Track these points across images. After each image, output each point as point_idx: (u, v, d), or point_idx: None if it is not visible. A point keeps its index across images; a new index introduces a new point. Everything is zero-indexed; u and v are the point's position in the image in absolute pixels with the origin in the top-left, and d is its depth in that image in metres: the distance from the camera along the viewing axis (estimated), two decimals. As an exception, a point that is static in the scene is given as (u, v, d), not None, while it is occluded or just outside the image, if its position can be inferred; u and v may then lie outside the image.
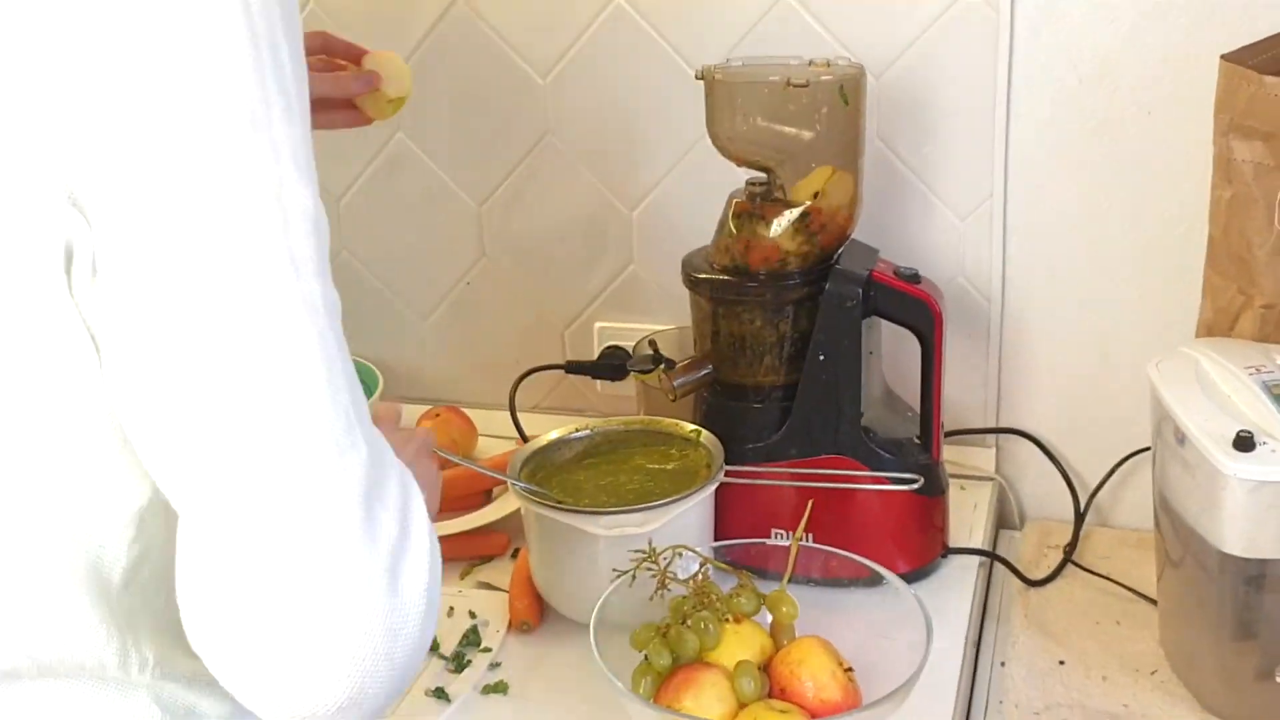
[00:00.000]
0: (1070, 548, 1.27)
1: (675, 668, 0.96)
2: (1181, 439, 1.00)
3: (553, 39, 1.38)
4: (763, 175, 1.17)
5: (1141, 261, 1.28)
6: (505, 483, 1.27)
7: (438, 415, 1.44)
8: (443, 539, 1.27)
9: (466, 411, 1.46)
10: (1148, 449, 1.20)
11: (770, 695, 0.95)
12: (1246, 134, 1.06)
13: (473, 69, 1.43)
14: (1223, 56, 1.08)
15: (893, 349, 1.25)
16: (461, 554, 1.27)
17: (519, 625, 1.15)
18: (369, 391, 1.50)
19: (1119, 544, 1.30)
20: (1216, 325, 1.13)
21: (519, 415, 1.41)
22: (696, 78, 1.16)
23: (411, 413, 1.48)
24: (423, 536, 0.63)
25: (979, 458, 1.38)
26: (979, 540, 1.27)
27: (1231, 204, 1.08)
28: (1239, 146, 1.07)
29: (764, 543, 1.12)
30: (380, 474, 0.62)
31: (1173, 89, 1.21)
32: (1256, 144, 1.05)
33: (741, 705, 0.94)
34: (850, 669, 0.96)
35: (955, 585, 1.19)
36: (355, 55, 1.18)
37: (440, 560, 0.65)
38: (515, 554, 1.27)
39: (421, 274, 1.54)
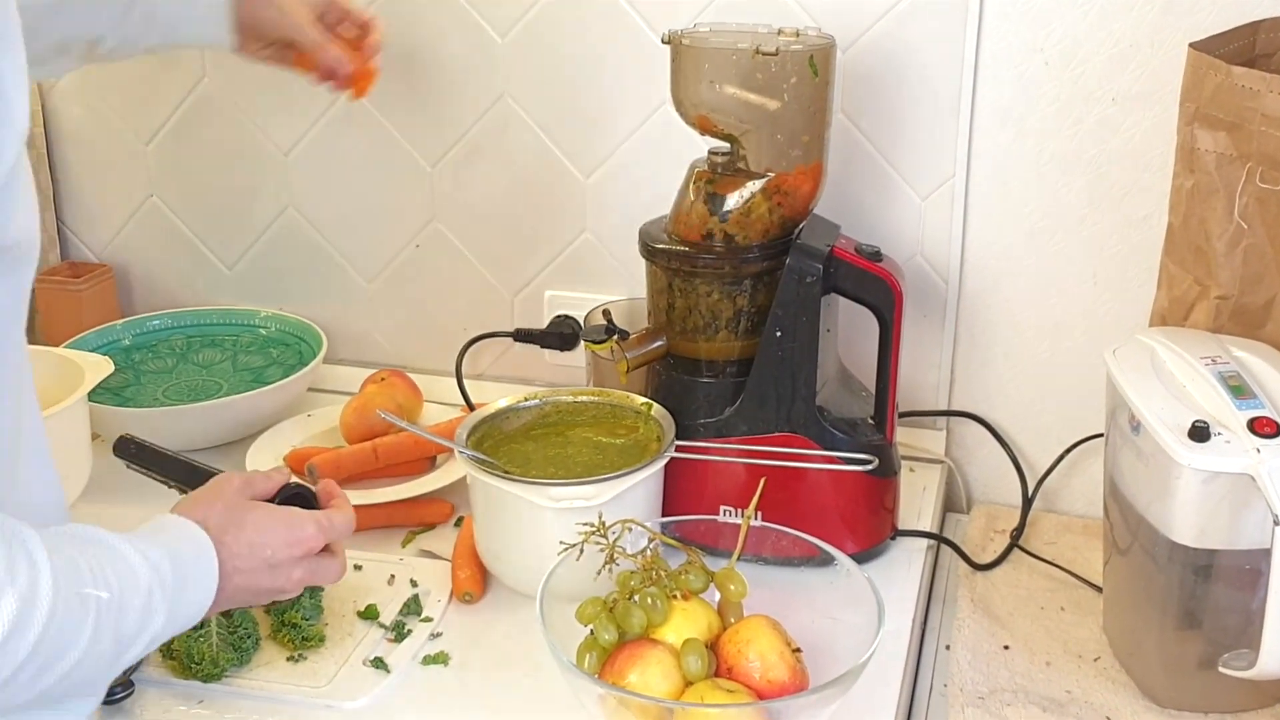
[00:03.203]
0: (1017, 533, 1.27)
1: (621, 643, 0.95)
2: (1136, 427, 0.99)
3: (513, -4, 1.35)
4: (725, 145, 1.15)
5: (1099, 249, 1.27)
6: (449, 450, 1.25)
7: (383, 379, 1.41)
8: (386, 505, 1.27)
9: (412, 376, 1.43)
10: (1098, 436, 1.21)
11: (717, 674, 0.94)
12: (1211, 124, 1.05)
13: (429, 24, 1.39)
14: (1191, 45, 1.07)
15: (848, 327, 1.24)
16: (404, 521, 1.25)
17: (462, 596, 1.13)
18: (312, 354, 1.46)
19: (1065, 530, 1.30)
20: (1171, 315, 1.13)
21: (465, 382, 1.39)
22: (662, 42, 1.14)
23: (356, 375, 1.45)
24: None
25: (929, 440, 1.37)
26: (927, 523, 1.26)
27: (1192, 194, 1.08)
28: (1203, 136, 1.06)
29: (714, 520, 1.11)
30: None
31: (1138, 76, 1.21)
32: (1220, 134, 1.05)
33: (688, 683, 0.93)
34: (799, 649, 0.95)
35: (903, 568, 1.19)
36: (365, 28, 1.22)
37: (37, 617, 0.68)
38: (459, 523, 1.24)
39: (370, 234, 1.51)
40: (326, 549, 0.93)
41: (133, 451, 1.01)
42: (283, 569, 0.89)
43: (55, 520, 0.80)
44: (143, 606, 0.77)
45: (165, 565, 0.79)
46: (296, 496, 0.95)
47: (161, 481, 1.03)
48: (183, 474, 1.01)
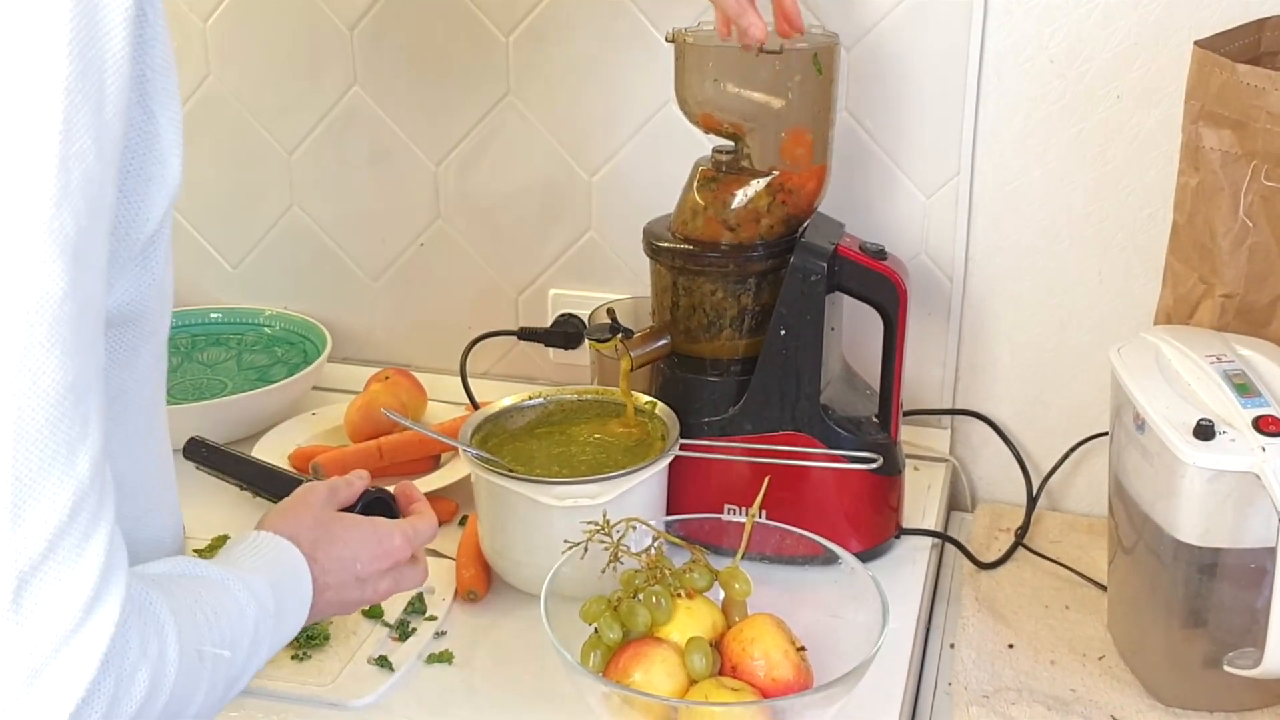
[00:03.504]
0: (1021, 531, 1.27)
1: (625, 642, 0.95)
2: (1141, 425, 0.99)
3: (517, -4, 1.35)
4: (730, 143, 1.15)
5: (1103, 247, 1.27)
6: (454, 448, 1.25)
7: (387, 378, 1.41)
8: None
9: (416, 375, 1.43)
10: (1102, 434, 1.20)
11: (721, 672, 0.94)
12: (1216, 122, 1.05)
13: (434, 23, 1.39)
14: (1196, 43, 1.07)
15: (852, 325, 1.24)
16: (408, 520, 1.25)
17: (466, 594, 1.13)
18: (316, 352, 1.47)
19: (1070, 529, 1.30)
20: (1176, 313, 1.13)
21: (469, 381, 1.39)
22: (666, 40, 1.13)
23: (360, 374, 1.46)
24: (88, 561, 0.59)
25: (933, 438, 1.37)
26: (931, 521, 1.26)
27: (1197, 192, 1.08)
28: (1208, 134, 1.06)
29: (719, 518, 1.11)
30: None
31: (1143, 73, 1.20)
32: (1225, 132, 1.05)
33: (692, 682, 0.93)
34: (803, 648, 0.95)
35: (907, 566, 1.19)
36: None
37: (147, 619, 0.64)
38: (463, 521, 1.24)
39: (374, 233, 1.51)
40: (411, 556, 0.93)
41: (204, 454, 1.00)
42: (370, 582, 0.89)
43: (174, 544, 0.79)
44: (250, 645, 0.75)
45: (269, 598, 0.78)
46: (378, 502, 0.95)
47: (235, 485, 1.02)
48: (256, 476, 1.00)
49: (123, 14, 0.59)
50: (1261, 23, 1.12)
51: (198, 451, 1.00)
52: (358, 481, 0.95)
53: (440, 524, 1.23)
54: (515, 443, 1.16)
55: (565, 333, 1.35)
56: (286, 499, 0.91)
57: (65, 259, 0.57)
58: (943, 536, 1.25)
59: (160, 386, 0.77)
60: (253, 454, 1.31)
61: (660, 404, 1.17)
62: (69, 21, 0.57)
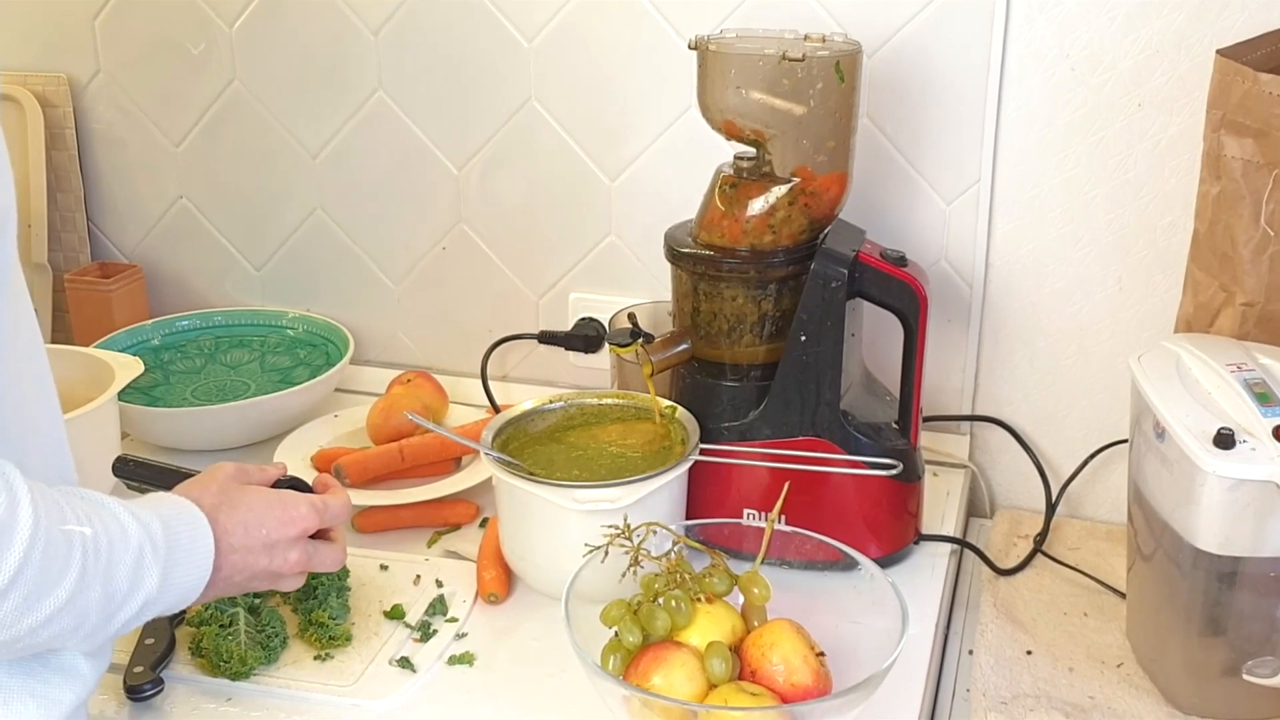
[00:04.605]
0: (1040, 538, 1.27)
1: (645, 646, 0.95)
2: (1161, 433, 0.99)
3: (541, 1, 1.36)
4: (751, 150, 1.16)
5: (1124, 254, 1.27)
6: (475, 451, 1.26)
7: (409, 381, 1.42)
8: (412, 506, 1.27)
9: (438, 377, 1.44)
10: (1122, 442, 1.20)
11: (740, 677, 0.95)
12: (1238, 130, 1.05)
13: (457, 28, 1.40)
14: (1218, 51, 1.07)
15: (872, 331, 1.25)
16: (429, 521, 1.26)
17: (487, 596, 1.14)
18: (339, 355, 1.48)
19: (1088, 536, 1.30)
20: (1196, 321, 1.13)
21: (490, 384, 1.39)
22: (689, 47, 1.14)
23: (383, 377, 1.47)
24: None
25: (952, 444, 1.38)
26: (950, 527, 1.26)
27: (1219, 200, 1.08)
28: (1230, 143, 1.06)
29: (738, 523, 1.11)
30: None
31: (1165, 82, 1.21)
32: (1247, 141, 1.05)
33: (711, 686, 0.93)
34: (822, 653, 0.96)
35: (926, 572, 1.19)
36: None
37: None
38: (484, 524, 1.25)
39: (397, 237, 1.52)
40: (325, 535, 0.94)
41: (130, 469, 1.00)
42: (279, 549, 0.90)
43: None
44: (134, 563, 0.77)
45: (155, 526, 0.80)
46: (292, 487, 0.96)
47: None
48: (181, 481, 1.01)
49: None
50: (1284, 32, 1.12)
51: (124, 468, 1.01)
52: (272, 469, 0.97)
53: (461, 526, 1.26)
54: (536, 446, 1.17)
55: (586, 336, 1.36)
56: (195, 476, 0.93)
57: None
58: (962, 543, 1.25)
59: (20, 292, 0.81)
60: (275, 456, 1.33)
61: (680, 408, 1.18)
62: None
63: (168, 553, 0.80)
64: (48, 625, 0.73)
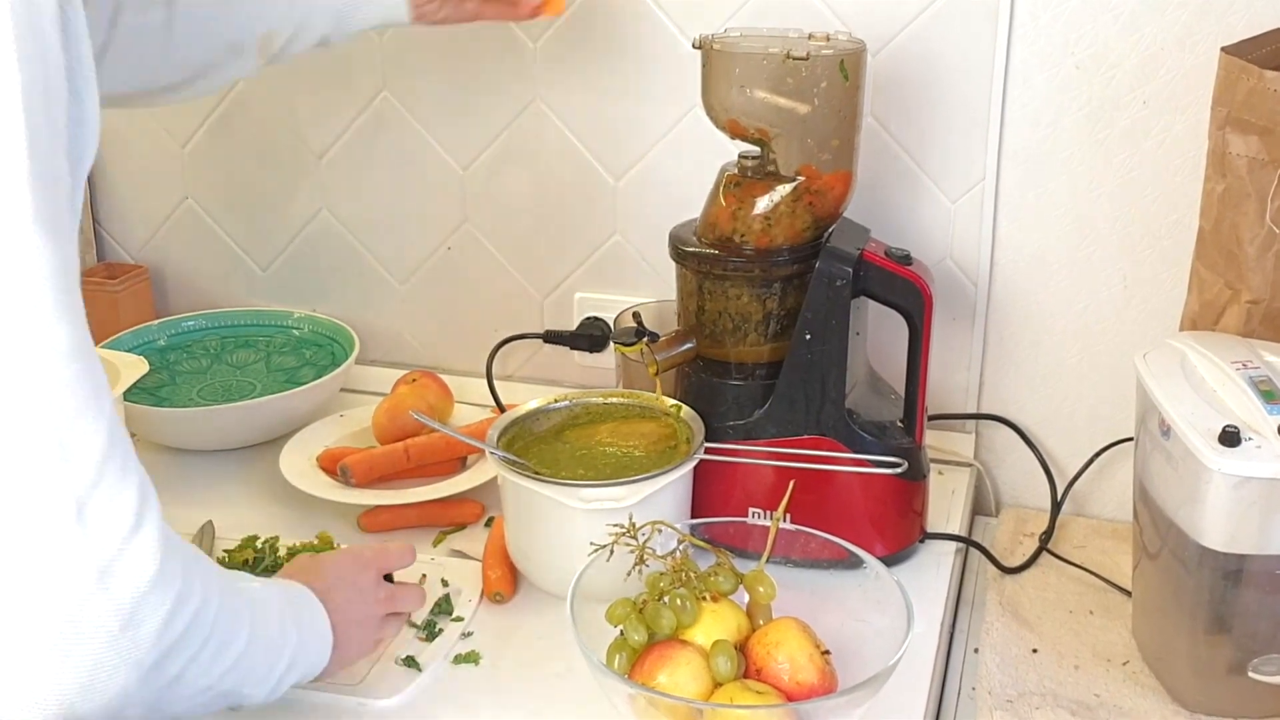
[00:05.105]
0: (1046, 536, 1.27)
1: (650, 644, 0.95)
2: (1166, 431, 0.99)
3: (545, 1, 1.36)
4: (756, 149, 1.16)
5: (1129, 252, 1.27)
6: (480, 450, 1.26)
7: (414, 380, 1.42)
8: (417, 505, 1.27)
9: (443, 377, 1.44)
10: (1127, 440, 1.20)
11: (746, 676, 0.95)
12: (1243, 128, 1.05)
13: (461, 29, 1.39)
14: (1223, 49, 1.07)
15: (877, 330, 1.25)
16: (435, 521, 1.26)
17: (492, 595, 1.14)
18: (345, 355, 1.48)
19: (1094, 534, 1.30)
20: (1202, 319, 1.13)
21: (495, 383, 1.39)
22: (694, 46, 1.14)
23: (388, 376, 1.47)
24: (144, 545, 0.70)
25: (958, 443, 1.38)
26: (956, 526, 1.26)
27: (1224, 198, 1.08)
28: (1235, 140, 1.06)
29: (744, 521, 1.11)
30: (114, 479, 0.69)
31: (1170, 79, 1.20)
32: (1253, 139, 1.05)
33: (717, 684, 0.93)
34: (828, 651, 0.96)
35: (932, 570, 1.19)
36: None
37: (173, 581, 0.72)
38: (489, 523, 1.25)
39: (402, 236, 1.52)
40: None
41: None
42: (370, 591, 0.99)
43: None
44: (279, 622, 0.85)
45: (274, 589, 0.88)
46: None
47: None
48: None
49: (52, 17, 0.68)
50: (1289, 29, 1.12)
51: None
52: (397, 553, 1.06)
53: (467, 526, 1.26)
54: (541, 445, 1.17)
55: (591, 336, 1.36)
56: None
57: (48, 235, 0.66)
58: (967, 541, 1.25)
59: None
60: (280, 456, 1.33)
61: (685, 407, 1.18)
62: (11, 30, 0.65)
63: (297, 610, 0.89)
64: (231, 672, 0.78)
